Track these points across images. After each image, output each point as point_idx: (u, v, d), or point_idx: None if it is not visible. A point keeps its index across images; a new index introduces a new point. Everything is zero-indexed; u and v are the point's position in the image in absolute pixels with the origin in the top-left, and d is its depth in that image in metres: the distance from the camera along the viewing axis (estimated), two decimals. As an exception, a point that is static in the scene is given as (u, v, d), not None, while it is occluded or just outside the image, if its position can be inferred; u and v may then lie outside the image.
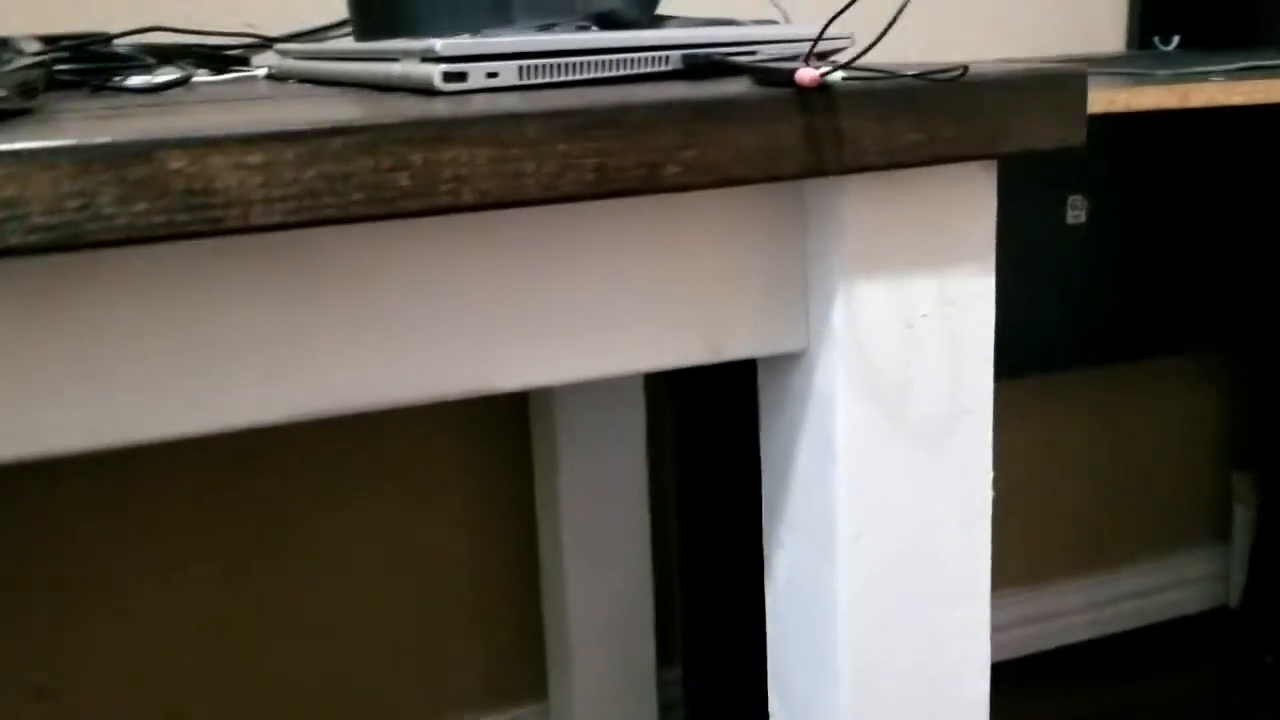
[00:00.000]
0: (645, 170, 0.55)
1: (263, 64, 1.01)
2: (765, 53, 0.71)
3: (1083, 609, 1.79)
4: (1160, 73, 1.10)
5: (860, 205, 0.63)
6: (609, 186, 0.55)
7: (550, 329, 0.61)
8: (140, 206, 0.48)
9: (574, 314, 0.61)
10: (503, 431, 1.42)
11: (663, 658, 1.50)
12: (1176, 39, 1.60)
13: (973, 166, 0.65)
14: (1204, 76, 1.04)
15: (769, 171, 0.57)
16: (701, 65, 0.69)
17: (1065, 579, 1.78)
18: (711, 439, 1.33)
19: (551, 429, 1.30)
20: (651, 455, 1.44)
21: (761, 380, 0.72)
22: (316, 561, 1.38)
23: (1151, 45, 1.61)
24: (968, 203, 0.65)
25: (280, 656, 1.38)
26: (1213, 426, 1.83)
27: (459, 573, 1.44)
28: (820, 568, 0.68)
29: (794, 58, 0.71)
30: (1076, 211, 1.38)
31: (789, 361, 0.68)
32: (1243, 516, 1.83)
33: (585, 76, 0.66)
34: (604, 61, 0.67)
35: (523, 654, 1.48)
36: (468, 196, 0.53)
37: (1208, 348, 1.72)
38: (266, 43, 1.08)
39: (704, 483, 1.35)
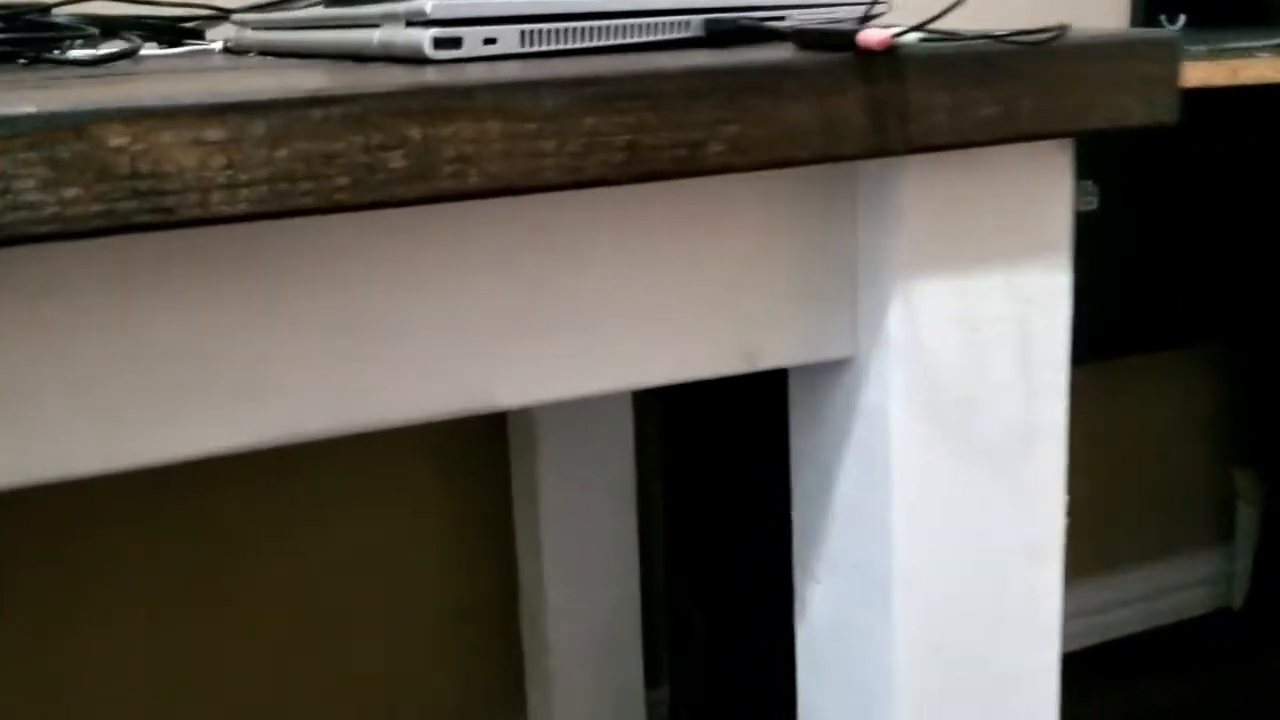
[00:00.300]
0: (684, 150, 0.46)
1: (219, 37, 0.91)
2: (795, 19, 0.62)
3: (1083, 614, 1.72)
4: (1194, 48, 1.02)
5: (922, 190, 0.54)
6: (641, 169, 0.46)
7: (562, 336, 0.52)
8: (73, 193, 0.38)
9: (591, 318, 0.52)
10: (478, 441, 1.33)
11: (649, 678, 1.41)
12: (1182, 18, 1.52)
13: (1049, 146, 0.56)
14: (1248, 52, 0.96)
15: (825, 151, 0.49)
16: (728, 31, 0.60)
17: (1064, 584, 1.71)
18: (702, 448, 1.24)
19: (532, 439, 1.20)
20: (639, 464, 1.35)
21: (794, 393, 0.63)
22: (279, 584, 1.28)
23: (1156, 23, 1.54)
24: (1044, 187, 0.56)
25: (242, 681, 1.29)
26: (1214, 421, 1.76)
27: (431, 593, 1.34)
28: (869, 609, 0.59)
29: (828, 24, 0.62)
30: (1088, 198, 1.30)
31: (831, 371, 0.59)
32: (1246, 514, 1.76)
33: (595, 44, 0.57)
34: (618, 27, 0.58)
35: (501, 677, 1.39)
36: (474, 180, 0.43)
37: (1218, 340, 1.65)
38: (222, 14, 0.98)
39: (692, 495, 1.26)
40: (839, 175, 0.55)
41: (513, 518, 1.34)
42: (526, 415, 1.21)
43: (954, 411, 0.57)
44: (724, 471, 1.23)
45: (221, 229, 0.45)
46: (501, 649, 1.38)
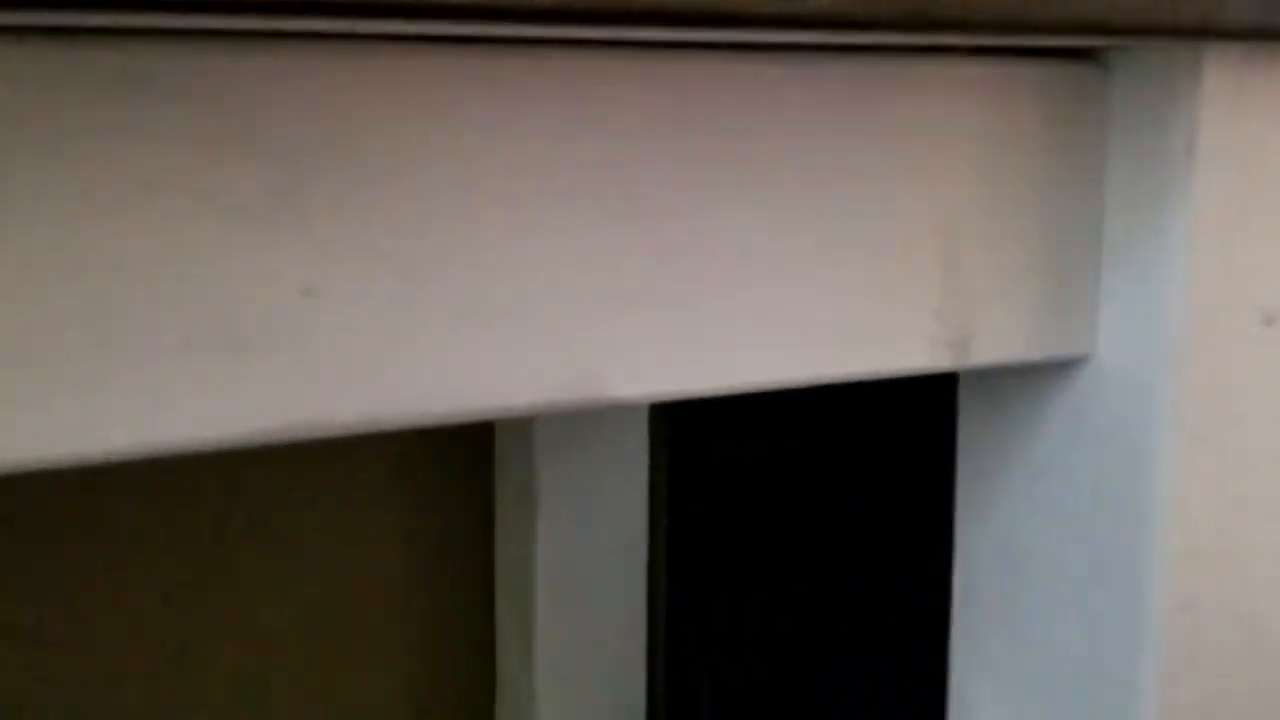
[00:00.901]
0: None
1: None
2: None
3: None
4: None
5: (1226, 112, 0.38)
6: (871, 11, 0.29)
7: (711, 296, 0.35)
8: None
9: (754, 274, 0.35)
10: (453, 495, 1.15)
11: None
12: None
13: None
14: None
15: (1147, 19, 0.32)
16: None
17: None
18: (719, 485, 1.07)
19: (530, 502, 1.01)
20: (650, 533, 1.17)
21: (966, 403, 0.46)
22: (210, 648, 1.09)
23: None
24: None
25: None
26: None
27: (388, 685, 1.15)
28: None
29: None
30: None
31: (1046, 376, 0.42)
32: None
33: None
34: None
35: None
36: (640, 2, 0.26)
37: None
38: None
39: (702, 550, 1.08)
40: (1083, 90, 0.39)
41: (493, 596, 1.15)
42: (524, 469, 1.03)
43: (1233, 436, 0.40)
44: (752, 518, 1.06)
45: (218, 34, 0.27)
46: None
